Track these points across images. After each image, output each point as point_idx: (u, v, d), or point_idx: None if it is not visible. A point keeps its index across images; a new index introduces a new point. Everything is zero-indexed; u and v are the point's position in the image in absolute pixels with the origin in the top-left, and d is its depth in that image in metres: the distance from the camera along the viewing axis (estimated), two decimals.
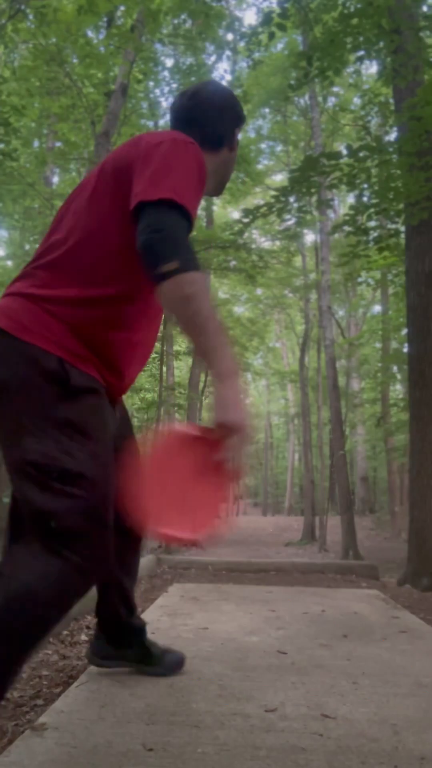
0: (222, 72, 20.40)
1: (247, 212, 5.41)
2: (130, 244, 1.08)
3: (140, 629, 1.71)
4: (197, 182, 1.15)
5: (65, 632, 2.25)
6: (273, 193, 5.48)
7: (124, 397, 1.44)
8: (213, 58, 13.16)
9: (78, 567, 1.05)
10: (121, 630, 1.66)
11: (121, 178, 1.16)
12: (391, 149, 4.92)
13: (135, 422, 19.72)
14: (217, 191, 1.42)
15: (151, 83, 11.93)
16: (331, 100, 15.60)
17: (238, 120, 1.39)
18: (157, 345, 16.37)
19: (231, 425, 1.00)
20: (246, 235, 13.62)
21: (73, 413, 1.09)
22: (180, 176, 1.10)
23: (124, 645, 1.68)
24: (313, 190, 5.21)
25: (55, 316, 1.13)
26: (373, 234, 5.88)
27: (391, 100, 8.13)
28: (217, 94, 1.36)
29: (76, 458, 1.07)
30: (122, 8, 8.03)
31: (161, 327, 1.38)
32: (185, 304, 1.02)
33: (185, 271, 1.01)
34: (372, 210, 5.30)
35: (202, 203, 16.82)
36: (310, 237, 19.81)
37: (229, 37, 11.30)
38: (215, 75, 13.92)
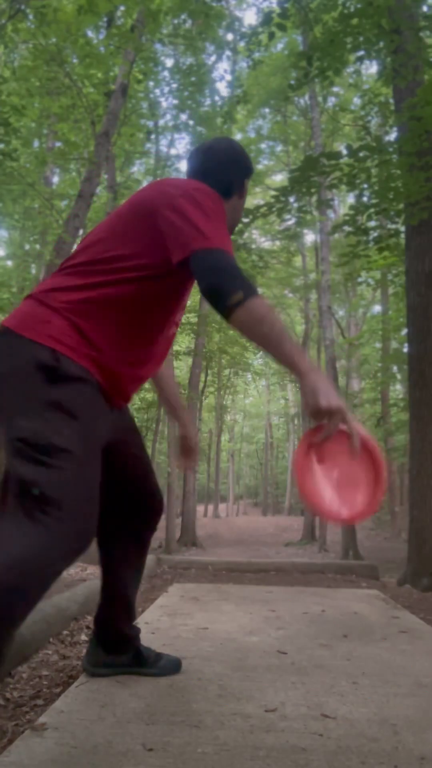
0: (222, 72, 20.47)
1: (247, 212, 5.41)
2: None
3: (136, 636, 1.72)
4: (224, 224, 1.30)
5: (65, 632, 2.25)
6: (273, 193, 5.48)
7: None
8: (213, 58, 13.19)
9: (59, 536, 1.10)
10: (120, 639, 1.69)
11: (145, 217, 1.30)
12: (391, 149, 4.92)
13: (135, 422, 19.72)
14: (231, 227, 1.56)
15: (151, 83, 11.93)
16: (331, 100, 15.61)
17: (247, 171, 1.55)
18: None
19: (328, 408, 1.12)
20: (246, 235, 13.63)
21: (62, 396, 1.17)
22: (216, 223, 1.26)
23: (121, 652, 1.70)
24: (313, 190, 5.21)
25: (57, 312, 1.23)
26: (373, 234, 5.89)
27: (391, 100, 8.13)
28: (228, 149, 1.52)
29: (62, 435, 1.14)
30: (122, 8, 8.03)
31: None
32: (259, 325, 1.17)
33: (250, 298, 1.17)
34: (372, 210, 5.30)
35: None
36: (310, 237, 19.83)
37: (229, 37, 11.32)
38: (215, 75, 13.96)
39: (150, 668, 1.71)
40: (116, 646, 1.69)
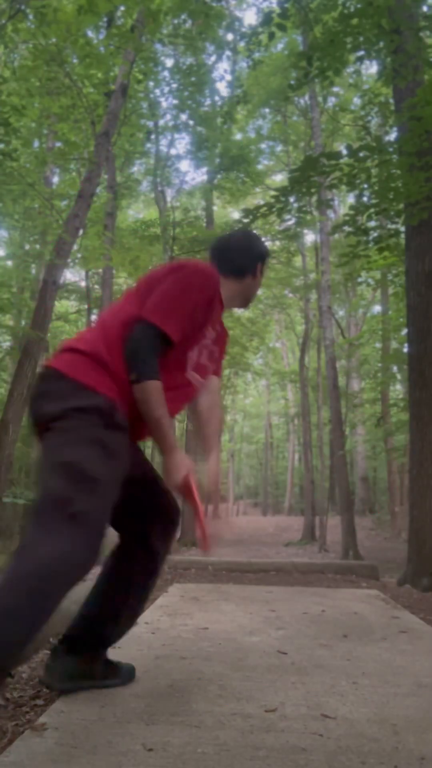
0: (222, 72, 20.46)
1: (247, 212, 5.41)
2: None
3: (109, 645, 1.67)
4: (183, 309, 1.51)
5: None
6: (273, 193, 5.47)
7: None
8: (213, 58, 13.18)
9: (80, 548, 1.28)
10: (99, 643, 1.64)
11: (150, 290, 1.56)
12: (391, 149, 4.91)
13: None
14: (244, 305, 1.84)
15: (151, 83, 11.92)
16: (331, 100, 15.60)
17: (261, 257, 1.79)
18: None
19: (173, 484, 1.50)
20: None
21: (110, 440, 1.41)
22: (173, 305, 1.50)
23: (95, 659, 1.62)
24: (313, 190, 5.20)
25: (103, 367, 1.47)
26: (373, 234, 5.88)
27: (391, 100, 8.12)
28: (244, 238, 1.84)
29: (102, 468, 1.37)
30: (122, 8, 8.03)
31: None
32: (144, 404, 1.44)
33: (144, 381, 1.42)
34: (372, 210, 5.30)
35: (203, 204, 16.81)
36: (310, 237, 19.81)
37: (229, 37, 11.31)
38: (215, 75, 13.95)
39: (116, 679, 1.65)
40: (93, 649, 1.62)
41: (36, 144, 11.64)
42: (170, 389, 1.49)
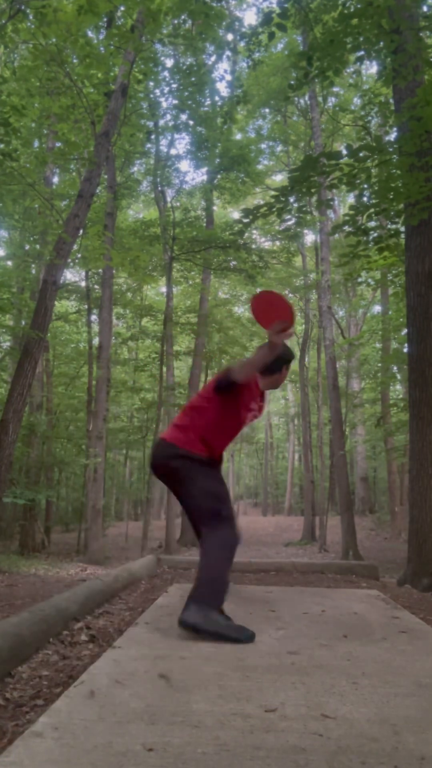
0: (222, 72, 20.45)
1: (247, 212, 5.40)
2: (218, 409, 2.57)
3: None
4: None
5: (65, 632, 2.25)
6: (273, 193, 5.47)
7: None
8: (213, 58, 13.17)
9: (234, 535, 2.44)
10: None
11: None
12: (391, 149, 4.91)
13: (135, 422, 19.72)
14: (275, 388, 2.79)
15: (151, 83, 11.92)
16: (331, 101, 15.60)
17: (284, 362, 2.67)
18: (157, 345, 16.40)
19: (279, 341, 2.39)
20: (246, 235, 13.63)
21: (215, 472, 2.59)
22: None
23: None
24: (313, 190, 5.20)
25: (197, 434, 2.53)
26: (373, 234, 5.88)
27: (391, 101, 8.12)
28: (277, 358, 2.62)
29: (219, 488, 2.52)
30: (122, 8, 8.03)
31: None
32: (249, 366, 2.44)
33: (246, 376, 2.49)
34: (372, 210, 5.30)
35: (203, 204, 16.83)
36: (310, 237, 19.82)
37: (229, 37, 11.30)
38: (215, 75, 13.95)
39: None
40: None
41: (36, 144, 11.65)
42: (231, 426, 2.62)
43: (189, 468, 2.47)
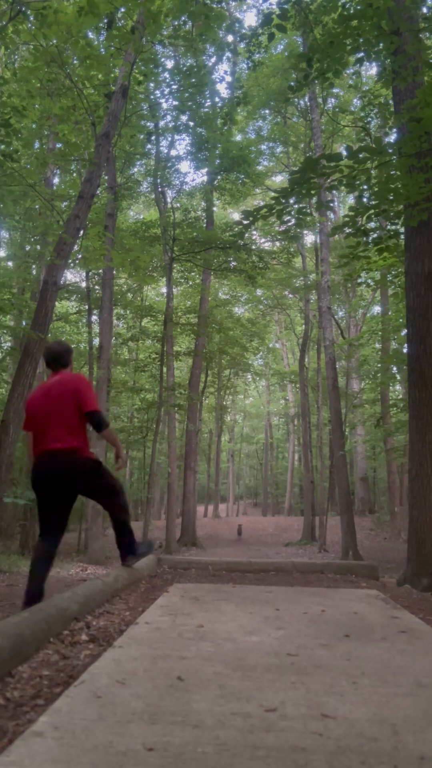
0: (222, 73, 20.46)
1: (247, 214, 5.41)
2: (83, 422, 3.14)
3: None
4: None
5: (65, 632, 2.26)
6: (273, 194, 5.47)
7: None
8: (213, 59, 13.20)
9: (126, 499, 3.38)
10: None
11: (74, 394, 3.09)
12: (390, 151, 4.92)
13: (135, 422, 19.71)
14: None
15: (152, 84, 11.92)
16: (331, 102, 15.62)
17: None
18: (157, 345, 16.41)
19: (124, 460, 3.47)
20: (246, 236, 13.64)
21: (106, 469, 3.27)
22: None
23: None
24: (312, 192, 5.20)
25: (84, 446, 3.12)
26: (373, 235, 5.88)
27: (391, 102, 8.13)
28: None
29: (116, 480, 3.30)
30: (123, 10, 8.03)
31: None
32: (110, 434, 3.21)
33: (107, 427, 3.16)
34: (372, 211, 5.30)
35: (203, 205, 16.83)
36: (309, 238, 19.84)
37: (230, 38, 11.32)
38: (215, 76, 13.95)
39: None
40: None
41: (37, 145, 11.66)
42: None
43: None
